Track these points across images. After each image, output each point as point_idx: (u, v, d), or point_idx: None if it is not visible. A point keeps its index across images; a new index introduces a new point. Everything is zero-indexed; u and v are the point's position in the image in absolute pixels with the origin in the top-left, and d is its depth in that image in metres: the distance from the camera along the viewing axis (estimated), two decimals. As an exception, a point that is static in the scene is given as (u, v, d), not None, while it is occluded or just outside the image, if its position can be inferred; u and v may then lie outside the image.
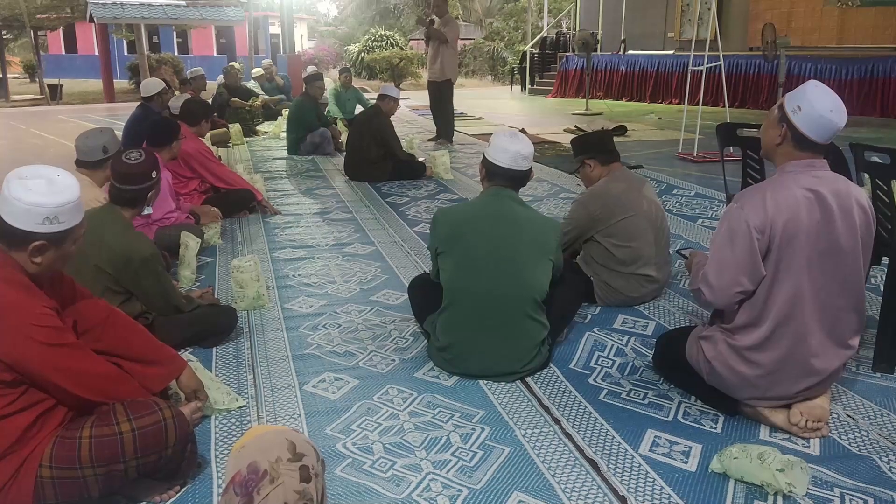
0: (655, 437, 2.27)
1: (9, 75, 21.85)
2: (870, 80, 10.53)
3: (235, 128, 9.00)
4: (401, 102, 7.48)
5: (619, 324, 3.18)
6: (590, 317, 3.24)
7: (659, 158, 7.44)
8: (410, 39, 28.66)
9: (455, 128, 9.06)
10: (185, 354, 2.58)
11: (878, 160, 2.75)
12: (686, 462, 2.14)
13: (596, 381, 2.66)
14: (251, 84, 11.25)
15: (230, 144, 8.74)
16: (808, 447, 2.21)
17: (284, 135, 8.44)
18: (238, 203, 5.12)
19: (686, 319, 3.23)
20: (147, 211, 2.87)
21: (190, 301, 2.94)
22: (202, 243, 4.07)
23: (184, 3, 18.57)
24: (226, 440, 2.27)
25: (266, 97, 10.70)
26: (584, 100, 12.97)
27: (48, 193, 1.77)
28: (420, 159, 6.87)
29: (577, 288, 3.07)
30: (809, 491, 1.97)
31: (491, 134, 2.93)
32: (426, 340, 2.91)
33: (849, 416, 2.39)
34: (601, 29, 15.86)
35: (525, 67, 17.69)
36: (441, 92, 8.58)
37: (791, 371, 2.22)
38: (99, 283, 2.62)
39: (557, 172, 6.70)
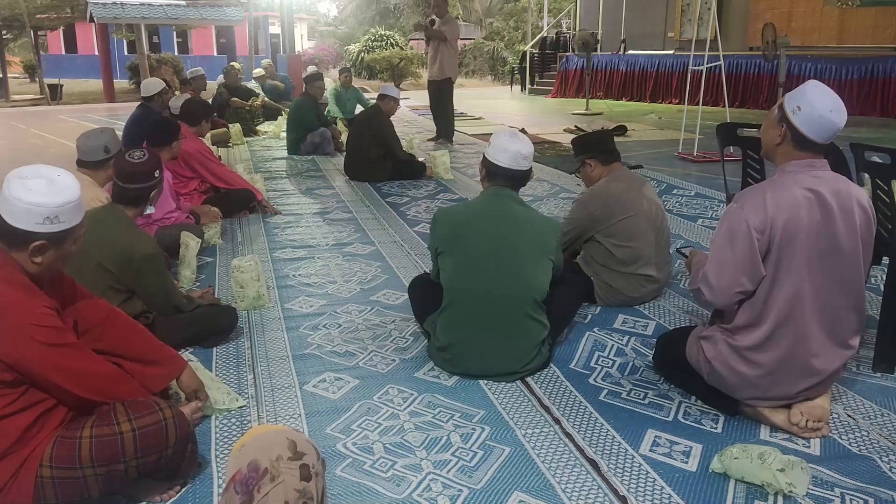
0: (656, 437, 2.27)
1: (9, 75, 21.85)
2: (870, 80, 10.52)
3: (235, 128, 9.00)
4: (401, 102, 7.48)
5: (619, 324, 3.18)
6: (590, 317, 3.24)
7: (659, 158, 7.44)
8: (410, 39, 28.65)
9: (455, 128, 9.06)
10: (186, 354, 2.58)
11: (878, 160, 2.75)
12: (686, 462, 2.14)
13: (596, 381, 2.66)
14: (251, 84, 11.25)
15: (230, 144, 8.74)
16: (809, 447, 2.21)
17: (284, 135, 8.44)
18: (238, 203, 5.12)
19: (686, 319, 3.23)
20: (149, 210, 2.88)
21: (190, 301, 2.94)
22: (202, 243, 4.07)
23: (184, 3, 18.57)
24: (226, 440, 2.27)
25: (265, 97, 10.70)
26: (584, 100, 12.96)
27: (48, 193, 1.77)
28: (420, 159, 6.87)
29: (578, 288, 3.07)
30: (810, 491, 1.97)
31: (491, 134, 2.93)
32: (426, 340, 2.91)
33: (849, 416, 2.39)
34: (601, 29, 15.86)
35: (525, 67, 17.68)
36: (441, 91, 8.58)
37: (791, 371, 2.22)
38: (101, 282, 2.62)
39: (557, 172, 6.70)
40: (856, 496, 1.97)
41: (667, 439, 2.25)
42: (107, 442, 1.78)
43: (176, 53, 27.37)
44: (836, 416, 2.37)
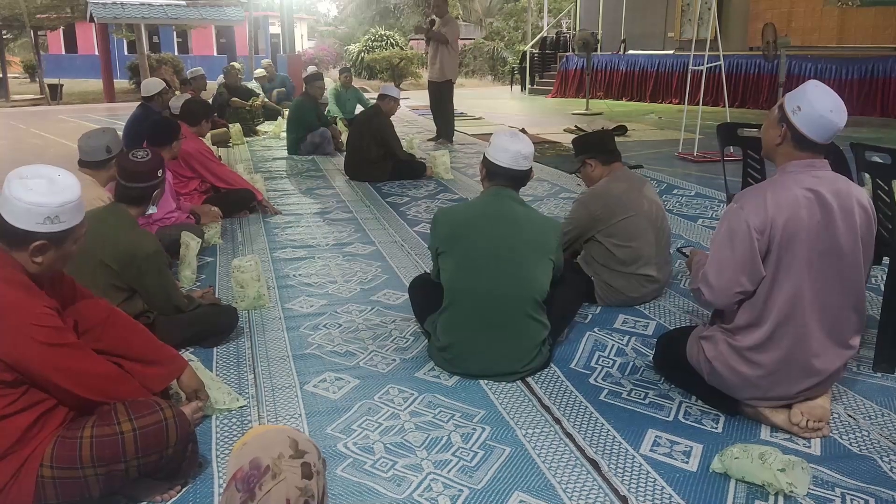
0: (656, 437, 2.27)
1: (9, 75, 21.86)
2: (870, 80, 10.53)
3: (235, 128, 9.01)
4: (401, 102, 7.48)
5: (619, 324, 3.18)
6: (590, 317, 3.24)
7: (659, 158, 7.44)
8: (410, 39, 28.66)
9: (455, 128, 9.06)
10: (186, 354, 2.58)
11: (878, 160, 2.75)
12: (687, 462, 2.14)
13: (597, 381, 2.66)
14: (252, 84, 11.25)
15: (230, 144, 8.74)
16: (809, 447, 2.21)
17: (284, 135, 8.44)
18: (238, 203, 5.12)
19: (686, 319, 3.23)
20: (151, 210, 2.89)
21: (191, 301, 2.94)
22: (202, 243, 4.07)
23: (184, 3, 18.57)
24: (227, 440, 2.27)
25: (265, 98, 10.70)
26: (584, 100, 12.96)
27: (49, 193, 1.77)
28: (420, 159, 6.87)
29: (578, 288, 3.07)
30: (810, 491, 1.97)
31: (491, 134, 2.94)
32: (427, 340, 2.91)
33: (850, 416, 2.39)
34: (601, 29, 15.86)
35: (525, 67, 17.68)
36: (441, 92, 8.58)
37: (792, 371, 2.22)
38: (103, 280, 2.63)
39: (558, 172, 6.70)
40: (856, 496, 1.97)
41: (667, 439, 2.25)
42: (107, 442, 1.78)
43: (176, 53, 27.37)
44: (836, 416, 2.37)
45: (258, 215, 5.20)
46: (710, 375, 2.36)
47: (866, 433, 2.29)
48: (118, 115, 12.15)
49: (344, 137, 7.85)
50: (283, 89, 11.29)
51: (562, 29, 21.35)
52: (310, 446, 1.31)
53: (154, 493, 1.96)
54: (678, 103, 12.36)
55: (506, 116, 12.34)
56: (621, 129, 9.37)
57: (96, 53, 22.95)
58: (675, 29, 14.57)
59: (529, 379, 2.65)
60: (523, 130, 8.41)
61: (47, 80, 19.70)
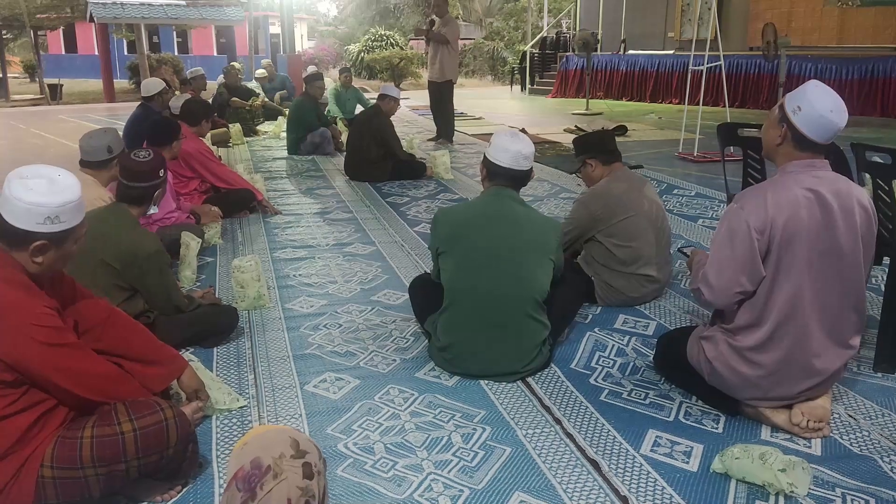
0: (657, 437, 2.27)
1: (9, 75, 21.86)
2: (870, 80, 10.53)
3: (235, 128, 9.01)
4: (401, 102, 7.48)
5: (619, 324, 3.17)
6: (591, 317, 3.24)
7: (659, 158, 7.44)
8: (410, 39, 28.65)
9: (455, 128, 9.06)
10: (186, 354, 2.58)
11: (879, 160, 2.75)
12: (687, 462, 2.14)
13: (597, 382, 2.65)
14: (252, 84, 11.24)
15: (230, 144, 8.74)
16: (810, 447, 2.21)
17: (284, 135, 8.44)
18: (238, 203, 5.12)
19: (687, 319, 3.23)
20: (153, 210, 2.89)
21: (191, 301, 2.94)
22: (203, 243, 4.07)
23: (184, 2, 18.57)
24: (227, 440, 2.27)
25: (266, 98, 10.69)
26: (585, 100, 12.96)
27: (49, 193, 1.77)
28: (420, 159, 6.87)
29: (578, 288, 3.07)
30: (811, 491, 1.97)
31: (491, 134, 2.94)
32: (427, 340, 2.91)
33: (850, 416, 2.39)
34: (601, 29, 15.86)
35: (525, 67, 17.68)
36: (441, 92, 8.58)
37: (792, 371, 2.22)
38: (104, 279, 2.64)
39: (558, 172, 6.70)
40: (857, 496, 1.97)
41: (668, 439, 2.25)
42: (108, 442, 1.78)
43: (176, 53, 27.37)
44: (837, 416, 2.37)
45: (258, 215, 5.20)
46: (710, 376, 2.36)
47: (867, 433, 2.28)
48: (118, 115, 12.15)
49: (344, 137, 7.85)
50: (285, 91, 11.29)
51: (562, 29, 21.34)
52: (311, 446, 1.31)
53: (154, 493, 1.96)
54: (678, 103, 12.36)
55: (506, 116, 12.34)
56: (621, 129, 9.37)
57: (96, 53, 22.94)
58: (675, 29, 14.58)
59: (530, 379, 2.65)
60: (523, 130, 8.41)
61: (47, 80, 19.70)
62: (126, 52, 27.89)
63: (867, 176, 2.90)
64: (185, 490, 2.00)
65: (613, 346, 2.94)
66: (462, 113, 11.69)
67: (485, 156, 2.72)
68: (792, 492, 1.94)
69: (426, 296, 2.88)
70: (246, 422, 2.38)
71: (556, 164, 7.08)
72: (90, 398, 1.86)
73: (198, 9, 18.76)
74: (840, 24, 11.96)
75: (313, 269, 4.00)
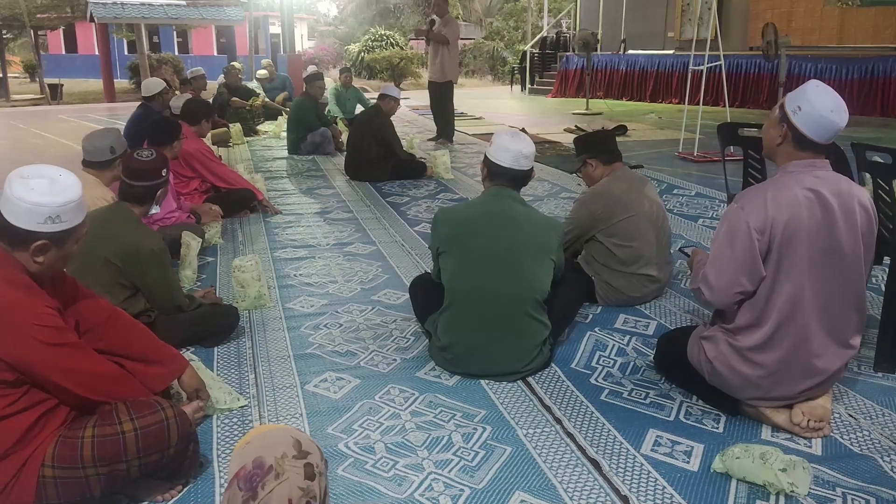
0: (657, 436, 2.27)
1: (9, 75, 21.86)
2: (870, 80, 10.52)
3: (236, 127, 9.01)
4: (401, 102, 7.48)
5: (620, 323, 3.18)
6: (591, 316, 3.24)
7: (659, 158, 7.44)
8: (410, 39, 28.66)
9: (455, 127, 9.06)
10: (187, 354, 2.58)
11: (879, 160, 2.75)
12: (688, 462, 2.14)
13: (597, 381, 2.66)
14: (253, 84, 11.24)
15: (231, 144, 8.74)
16: (811, 447, 2.21)
17: (285, 134, 8.45)
18: (239, 203, 5.13)
19: (687, 319, 3.23)
20: (154, 210, 2.89)
21: (192, 300, 2.95)
22: (203, 243, 4.07)
23: (184, 2, 18.57)
24: (228, 440, 2.27)
25: (266, 98, 10.69)
26: (585, 99, 12.96)
27: (50, 193, 1.77)
28: (420, 159, 6.87)
29: (579, 288, 3.08)
30: (811, 491, 1.97)
31: (491, 134, 2.94)
32: (427, 340, 2.91)
33: (851, 415, 2.39)
34: (601, 29, 15.86)
35: (525, 67, 17.68)
36: (441, 92, 8.59)
37: (793, 371, 2.22)
38: (107, 277, 2.65)
39: (558, 172, 6.71)
40: (857, 496, 1.97)
41: (668, 439, 2.25)
42: (109, 441, 1.78)
43: (176, 53, 27.37)
44: (837, 415, 2.37)
45: (259, 215, 5.20)
46: (710, 375, 2.36)
47: (867, 433, 2.29)
48: (118, 115, 12.16)
49: (344, 137, 7.85)
50: (286, 93, 11.29)
51: (562, 29, 21.35)
52: (313, 447, 1.31)
53: (155, 492, 1.96)
54: (678, 103, 12.36)
55: (506, 116, 12.34)
56: (621, 129, 9.36)
57: (96, 53, 22.94)
58: (675, 29, 14.57)
59: (530, 379, 2.66)
60: (523, 130, 8.41)
61: (47, 80, 19.70)
62: (126, 52, 27.90)
63: (867, 176, 2.90)
64: (185, 489, 2.00)
65: (614, 345, 2.94)
66: (462, 113, 11.69)
67: (485, 155, 2.72)
68: (792, 491, 1.94)
69: (426, 295, 2.88)
70: (246, 421, 2.38)
71: (556, 164, 7.08)
72: (91, 398, 1.86)
73: (198, 9, 18.75)
74: (840, 23, 11.96)
75: (314, 268, 4.00)
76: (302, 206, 5.57)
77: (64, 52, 31.93)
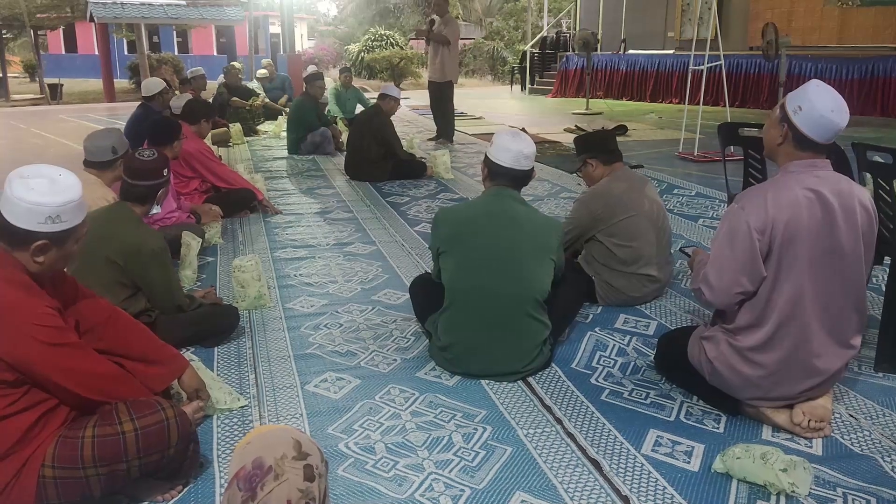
0: (658, 437, 2.27)
1: (9, 75, 21.85)
2: (870, 80, 10.52)
3: (236, 127, 9.01)
4: (401, 102, 7.48)
5: (620, 323, 3.17)
6: (591, 316, 3.24)
7: (659, 158, 7.44)
8: (410, 39, 28.65)
9: (455, 127, 9.06)
10: (187, 354, 2.58)
11: (880, 160, 2.75)
12: (689, 462, 2.14)
13: (598, 381, 2.65)
14: (253, 84, 11.23)
15: (231, 144, 8.74)
16: (811, 447, 2.21)
17: (285, 134, 8.44)
18: (239, 202, 5.13)
19: (688, 319, 3.23)
20: (155, 210, 2.90)
21: (192, 300, 2.95)
22: (203, 243, 4.07)
23: (184, 2, 18.57)
24: (228, 440, 2.27)
25: (266, 98, 10.69)
26: (585, 99, 12.96)
27: (50, 193, 1.77)
28: (420, 158, 6.87)
29: (579, 288, 3.07)
30: (812, 491, 1.97)
31: (491, 134, 2.94)
32: (427, 340, 2.91)
33: (851, 416, 2.39)
34: (601, 28, 15.86)
35: (525, 67, 17.68)
36: (442, 92, 8.59)
37: (793, 371, 2.22)
38: (108, 276, 2.65)
39: (558, 172, 6.70)
40: (858, 496, 1.96)
41: (669, 439, 2.25)
42: (109, 442, 1.78)
43: (176, 53, 27.36)
44: (838, 416, 2.37)
45: (259, 215, 5.20)
46: (711, 375, 2.36)
47: (868, 433, 2.28)
48: (118, 115, 12.16)
49: (344, 137, 7.85)
50: (287, 96, 11.28)
51: (562, 29, 21.34)
52: (313, 448, 1.31)
53: (155, 492, 1.96)
54: (678, 103, 12.36)
55: (506, 116, 12.34)
56: (621, 129, 9.36)
57: (96, 53, 22.94)
58: (675, 29, 14.57)
59: (530, 379, 2.65)
60: (524, 130, 8.40)
61: (47, 80, 19.70)
62: (126, 52, 27.88)
63: (868, 175, 2.90)
64: (186, 490, 2.00)
65: (614, 345, 2.94)
66: (462, 113, 11.69)
67: (486, 155, 2.72)
68: (793, 491, 1.94)
69: (427, 295, 2.88)
70: (247, 421, 2.38)
71: (556, 164, 7.08)
72: (91, 398, 1.86)
73: (198, 9, 18.75)
74: (840, 23, 11.96)
75: (314, 268, 4.00)
76: (302, 206, 5.57)
77: (64, 52, 31.92)
